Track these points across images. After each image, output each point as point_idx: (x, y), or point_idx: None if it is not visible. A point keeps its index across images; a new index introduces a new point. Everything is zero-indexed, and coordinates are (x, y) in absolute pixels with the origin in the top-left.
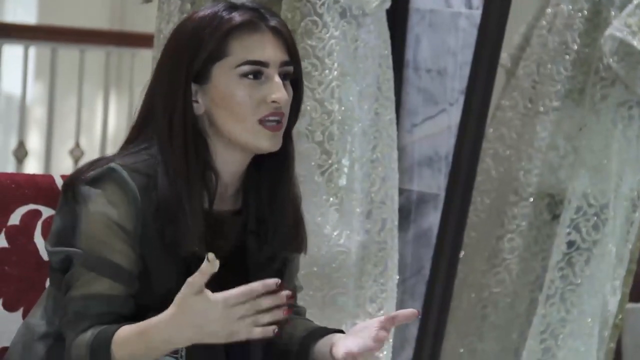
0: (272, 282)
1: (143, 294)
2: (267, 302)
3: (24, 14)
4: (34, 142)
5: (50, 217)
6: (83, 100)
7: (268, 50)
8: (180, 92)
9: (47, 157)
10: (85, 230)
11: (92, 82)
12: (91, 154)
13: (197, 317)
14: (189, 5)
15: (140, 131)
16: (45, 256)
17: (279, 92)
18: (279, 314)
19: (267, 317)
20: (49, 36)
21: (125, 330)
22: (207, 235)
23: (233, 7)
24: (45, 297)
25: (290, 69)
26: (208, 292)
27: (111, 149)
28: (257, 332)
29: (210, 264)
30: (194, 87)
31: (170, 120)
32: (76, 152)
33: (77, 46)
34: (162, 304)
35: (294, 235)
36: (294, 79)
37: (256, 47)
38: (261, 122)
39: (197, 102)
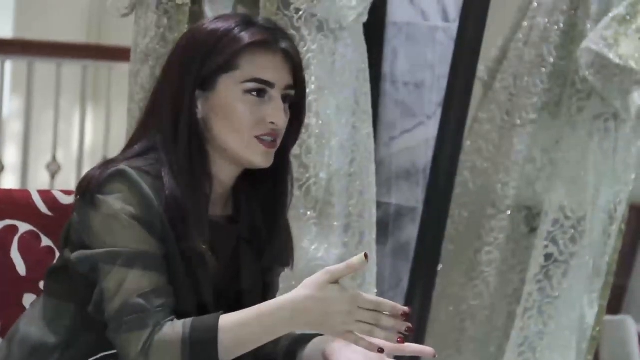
0: (403, 309)
1: None
2: (389, 321)
3: (0, 27)
4: (11, 156)
5: (27, 232)
6: (60, 114)
7: (276, 71)
8: (187, 95)
9: (24, 171)
10: (110, 230)
11: (69, 95)
12: (68, 167)
13: (326, 303)
14: (165, 19)
15: (145, 131)
16: (22, 272)
17: (279, 115)
18: (393, 338)
19: (381, 334)
20: (25, 50)
21: (231, 318)
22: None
23: (250, 23)
24: (41, 308)
25: (292, 92)
26: (342, 284)
27: (88, 163)
28: (364, 344)
29: (362, 262)
30: (197, 92)
31: (175, 121)
32: (53, 167)
33: (54, 60)
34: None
35: (285, 251)
36: (296, 102)
37: (265, 67)
38: (258, 138)
39: (197, 107)
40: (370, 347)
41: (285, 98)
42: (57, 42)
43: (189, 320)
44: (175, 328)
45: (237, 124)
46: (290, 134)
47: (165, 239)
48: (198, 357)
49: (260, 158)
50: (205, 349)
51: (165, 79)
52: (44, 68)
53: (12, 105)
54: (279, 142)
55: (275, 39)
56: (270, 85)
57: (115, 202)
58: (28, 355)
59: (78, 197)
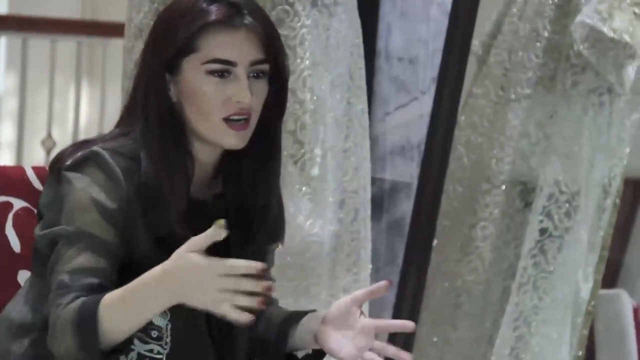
0: (257, 265)
1: (123, 273)
2: (246, 284)
3: None
4: (6, 133)
5: (21, 209)
6: (55, 90)
7: (238, 48)
8: (156, 80)
9: (19, 148)
10: (67, 209)
11: (63, 72)
12: (63, 144)
13: (186, 273)
14: None
15: (127, 115)
16: (17, 248)
17: (244, 93)
18: (253, 302)
19: (242, 300)
20: (20, 26)
21: (112, 295)
22: (188, 218)
23: (213, 0)
24: (26, 289)
25: (265, 67)
26: (202, 254)
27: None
28: (233, 314)
29: (218, 231)
30: (167, 76)
31: (146, 106)
32: (48, 143)
33: (48, 36)
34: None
35: (276, 227)
36: (276, 74)
37: (226, 46)
38: (226, 120)
39: (170, 91)
40: (241, 317)
41: (257, 74)
42: (52, 18)
43: (83, 300)
44: (73, 306)
45: (204, 107)
46: (275, 108)
47: (130, 226)
48: (84, 334)
49: (232, 140)
50: (88, 326)
51: (140, 63)
52: (39, 44)
53: (7, 81)
54: (253, 119)
55: (239, 13)
56: (231, 64)
57: (81, 182)
58: (6, 333)
59: (50, 172)
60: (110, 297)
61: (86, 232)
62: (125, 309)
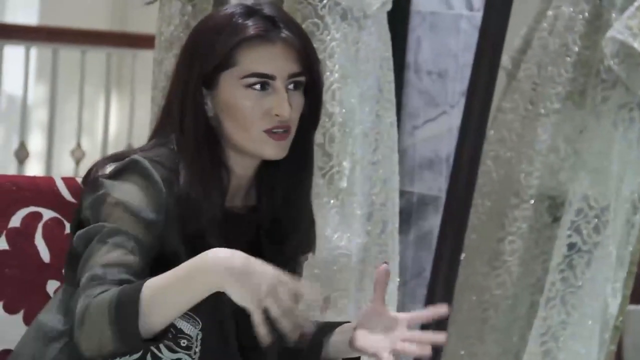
0: (316, 296)
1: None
2: (292, 304)
3: (26, 15)
4: (36, 143)
5: (51, 219)
6: (84, 101)
7: (276, 62)
8: (192, 94)
9: (49, 158)
10: (106, 211)
11: (93, 83)
12: (93, 154)
13: (252, 266)
14: (189, 7)
15: (162, 126)
16: (46, 259)
17: (283, 106)
18: (289, 326)
19: (284, 320)
20: (50, 37)
21: (155, 278)
22: (223, 231)
23: (248, 14)
24: (60, 297)
25: (302, 79)
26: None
27: (113, 150)
28: (261, 327)
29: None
30: (204, 91)
31: (183, 121)
32: (77, 153)
33: (78, 47)
34: None
35: (308, 238)
36: (311, 86)
37: (264, 59)
38: (267, 131)
39: (207, 104)
40: (262, 333)
41: (295, 86)
42: (82, 29)
43: (122, 287)
44: (110, 292)
45: (243, 121)
46: (309, 119)
47: (167, 236)
48: (123, 320)
49: (273, 151)
50: (128, 310)
51: (174, 77)
52: (69, 55)
53: (37, 92)
54: (292, 131)
55: (275, 27)
56: (270, 77)
57: (121, 189)
58: (35, 340)
59: (87, 182)
60: (154, 280)
61: (122, 230)
62: (170, 292)
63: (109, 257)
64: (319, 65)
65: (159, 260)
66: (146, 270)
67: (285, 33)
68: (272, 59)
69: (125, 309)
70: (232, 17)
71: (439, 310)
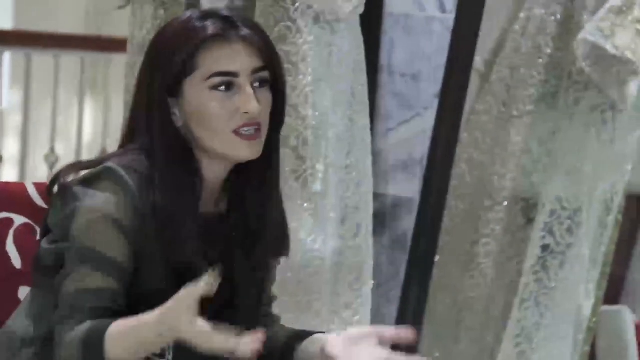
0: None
1: (134, 291)
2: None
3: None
4: (10, 148)
5: (22, 225)
6: (58, 105)
7: (237, 59)
8: (157, 106)
9: (23, 163)
10: (79, 226)
11: (67, 87)
12: (67, 159)
13: (179, 330)
14: (162, 11)
15: (130, 135)
16: (17, 265)
17: (251, 102)
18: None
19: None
20: (23, 42)
21: (119, 325)
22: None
23: (204, 17)
24: (28, 302)
25: (266, 74)
26: (195, 319)
27: (87, 155)
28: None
29: (209, 284)
30: (170, 100)
31: (151, 134)
32: (51, 158)
33: (52, 51)
34: (151, 302)
35: (279, 241)
36: (273, 84)
37: (225, 58)
38: (236, 132)
39: (175, 114)
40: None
41: (260, 82)
42: (56, 34)
43: (90, 324)
44: (81, 329)
45: (211, 124)
46: (275, 116)
47: (144, 246)
48: (91, 358)
49: (246, 151)
50: (95, 352)
51: (138, 89)
52: (43, 59)
53: (11, 97)
54: (264, 129)
55: (233, 26)
56: (234, 74)
57: (94, 198)
58: (8, 347)
59: (58, 189)
60: (116, 329)
61: (97, 251)
62: (129, 343)
63: (84, 283)
64: (281, 61)
65: (137, 269)
66: (123, 291)
67: (244, 31)
68: (233, 57)
69: (93, 350)
70: (189, 22)
71: (407, 335)
